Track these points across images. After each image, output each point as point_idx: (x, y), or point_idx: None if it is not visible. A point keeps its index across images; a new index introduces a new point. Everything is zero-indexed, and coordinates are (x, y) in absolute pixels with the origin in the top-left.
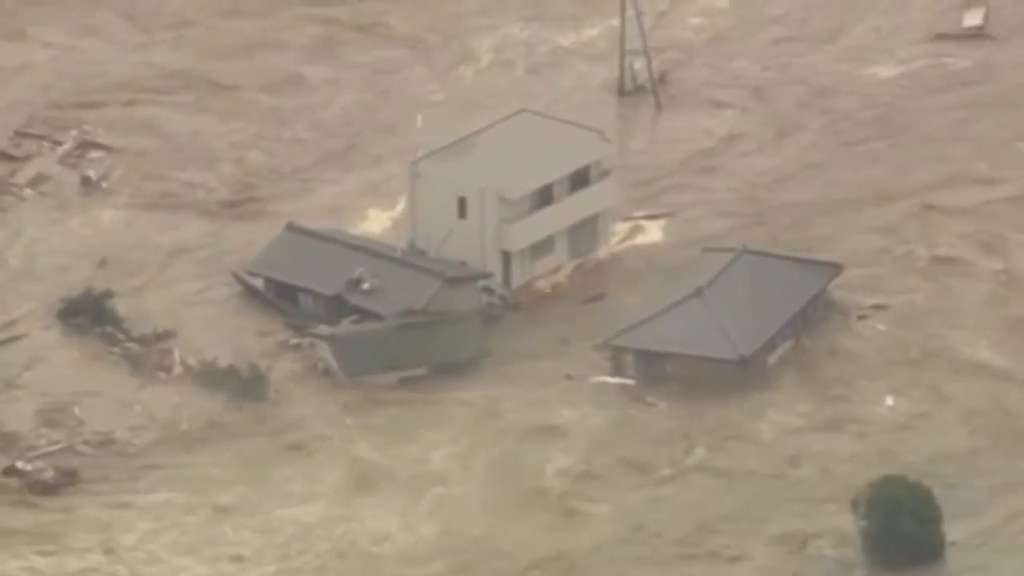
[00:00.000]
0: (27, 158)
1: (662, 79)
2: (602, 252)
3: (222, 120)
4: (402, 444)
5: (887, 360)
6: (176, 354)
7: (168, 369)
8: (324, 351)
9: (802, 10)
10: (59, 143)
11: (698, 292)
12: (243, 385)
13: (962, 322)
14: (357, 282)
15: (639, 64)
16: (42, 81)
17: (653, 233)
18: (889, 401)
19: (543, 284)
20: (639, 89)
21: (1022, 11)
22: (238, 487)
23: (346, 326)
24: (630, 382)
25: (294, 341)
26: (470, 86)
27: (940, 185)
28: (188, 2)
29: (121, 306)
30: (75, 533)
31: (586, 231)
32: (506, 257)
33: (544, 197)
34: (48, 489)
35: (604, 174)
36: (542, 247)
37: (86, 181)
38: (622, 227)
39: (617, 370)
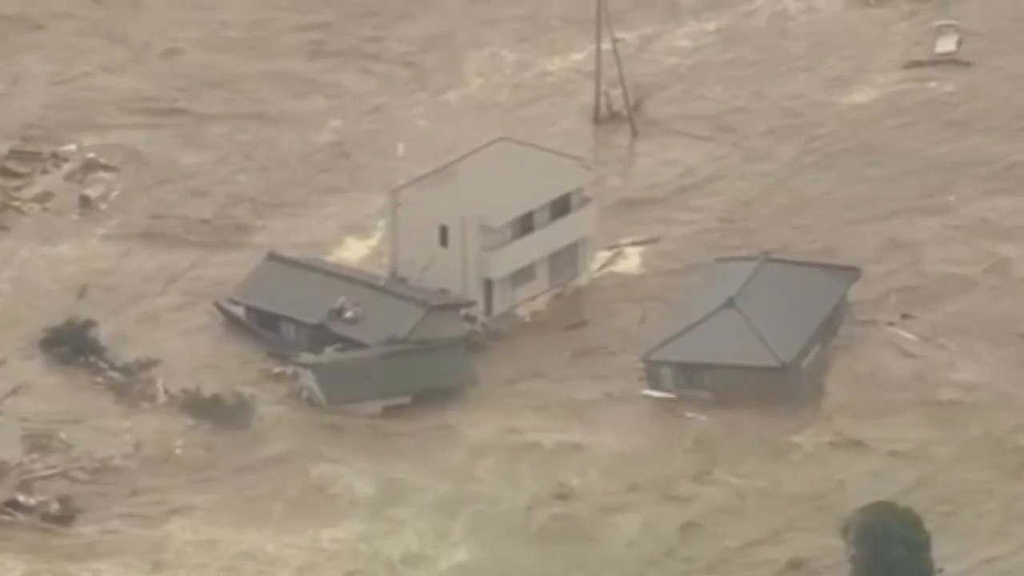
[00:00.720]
0: (30, 174)
1: (637, 107)
2: (582, 280)
3: (207, 148)
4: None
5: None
6: (160, 383)
7: (152, 398)
8: (308, 379)
9: (778, 39)
10: (64, 160)
11: (730, 302)
12: (228, 413)
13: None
14: (340, 311)
15: (615, 91)
16: (32, 103)
17: (632, 260)
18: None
19: (523, 312)
20: (615, 117)
21: (994, 36)
22: (239, 515)
23: (330, 354)
24: (671, 395)
25: (277, 369)
26: (455, 112)
27: (921, 207)
28: (178, 28)
29: (103, 335)
30: (109, 555)
31: (567, 259)
32: (488, 285)
33: (525, 225)
34: (58, 520)
35: (585, 202)
36: (523, 275)
37: (85, 201)
38: (604, 255)
39: (655, 384)
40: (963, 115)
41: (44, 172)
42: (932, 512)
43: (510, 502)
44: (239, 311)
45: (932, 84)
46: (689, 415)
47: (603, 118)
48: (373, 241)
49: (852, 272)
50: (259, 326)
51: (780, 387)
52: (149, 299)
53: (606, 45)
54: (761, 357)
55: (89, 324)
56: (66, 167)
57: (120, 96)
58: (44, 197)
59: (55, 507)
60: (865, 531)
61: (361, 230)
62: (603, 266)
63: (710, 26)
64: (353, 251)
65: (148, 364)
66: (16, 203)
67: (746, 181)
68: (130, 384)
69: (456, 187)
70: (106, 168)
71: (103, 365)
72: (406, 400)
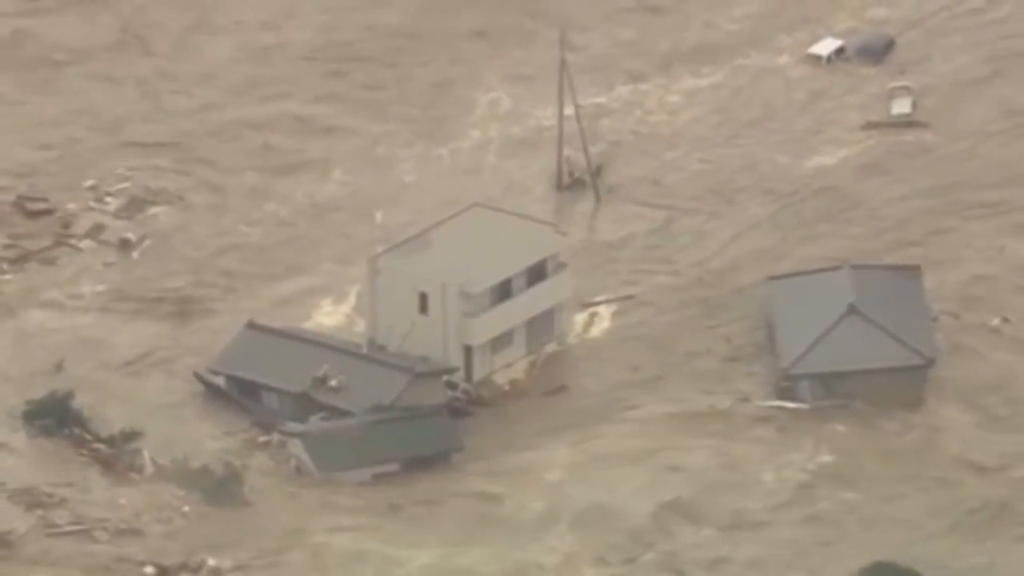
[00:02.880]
0: (48, 212)
1: (599, 172)
2: (559, 344)
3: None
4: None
5: None
6: (146, 454)
7: (140, 470)
8: (297, 448)
9: (734, 104)
10: (110, 194)
11: (852, 309)
12: (218, 484)
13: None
14: (323, 379)
15: (576, 157)
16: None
17: (605, 323)
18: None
19: (500, 379)
20: (577, 182)
21: (947, 97)
22: None
23: (315, 423)
24: (804, 406)
25: (262, 439)
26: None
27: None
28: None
29: (84, 407)
30: None
31: (543, 324)
32: (468, 351)
33: (504, 291)
34: None
35: (560, 267)
36: (501, 340)
37: (125, 244)
38: (579, 316)
39: (790, 397)
40: (926, 172)
41: (91, 207)
42: None
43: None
44: (220, 381)
45: (892, 144)
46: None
47: (565, 184)
48: (347, 308)
49: (916, 270)
50: (240, 396)
51: (922, 386)
52: (125, 370)
53: (568, 111)
54: (904, 357)
55: (70, 396)
56: (114, 203)
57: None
58: (96, 231)
59: None
60: None
61: (335, 296)
62: (579, 331)
63: (672, 92)
64: (329, 316)
65: (132, 435)
66: (71, 240)
67: (714, 240)
68: (116, 455)
69: (434, 254)
70: (153, 203)
71: (88, 437)
72: (394, 467)
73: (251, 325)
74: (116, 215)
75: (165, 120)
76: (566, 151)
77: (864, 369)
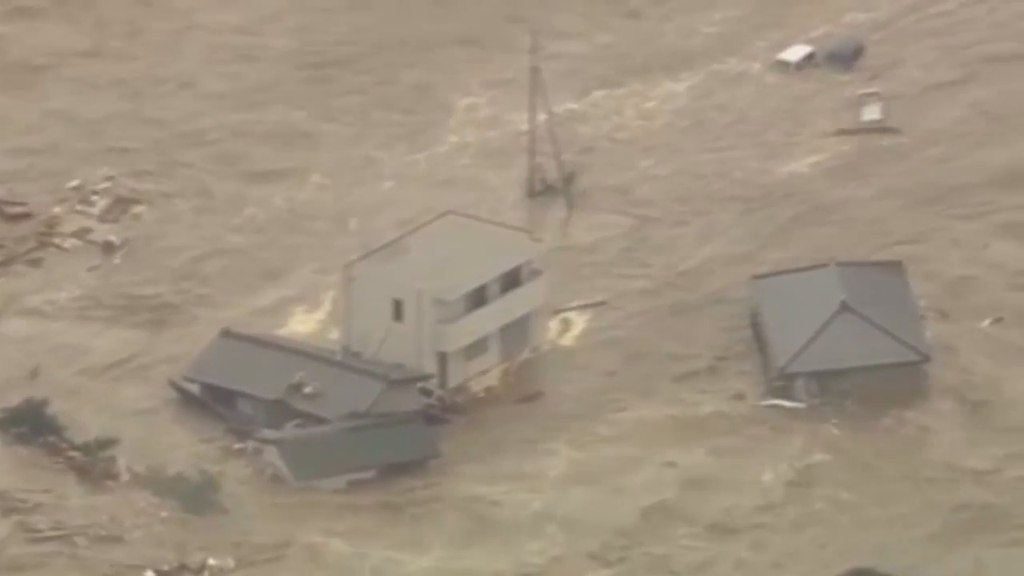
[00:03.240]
0: (27, 216)
1: (571, 179)
2: (533, 351)
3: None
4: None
5: None
6: (121, 462)
7: (115, 477)
8: (272, 456)
9: (713, 113)
10: (96, 193)
11: (844, 306)
12: (194, 491)
13: None
14: (299, 386)
15: (548, 164)
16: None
17: (578, 330)
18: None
19: (475, 386)
20: (549, 190)
21: (918, 102)
22: None
23: (291, 430)
24: (801, 405)
25: (238, 446)
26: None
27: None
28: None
29: (59, 415)
30: None
31: (517, 331)
32: (442, 358)
33: (478, 298)
34: None
35: (535, 274)
36: (476, 347)
37: (108, 247)
38: (552, 323)
39: (786, 396)
40: (899, 176)
41: (77, 211)
42: None
43: None
44: (194, 388)
45: (865, 149)
46: (835, 423)
47: (537, 192)
48: (321, 315)
49: (898, 265)
50: (215, 403)
51: (916, 382)
52: (100, 377)
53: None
54: (902, 353)
55: (44, 403)
56: (100, 203)
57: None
58: (82, 233)
59: None
60: None
61: (310, 303)
62: (553, 338)
63: (647, 98)
64: (303, 323)
65: (107, 443)
66: (56, 240)
67: (688, 246)
68: (91, 463)
69: (409, 261)
70: (137, 202)
71: (63, 445)
72: (370, 474)
73: (226, 333)
74: (101, 218)
75: (145, 125)
76: (538, 158)
77: (860, 366)
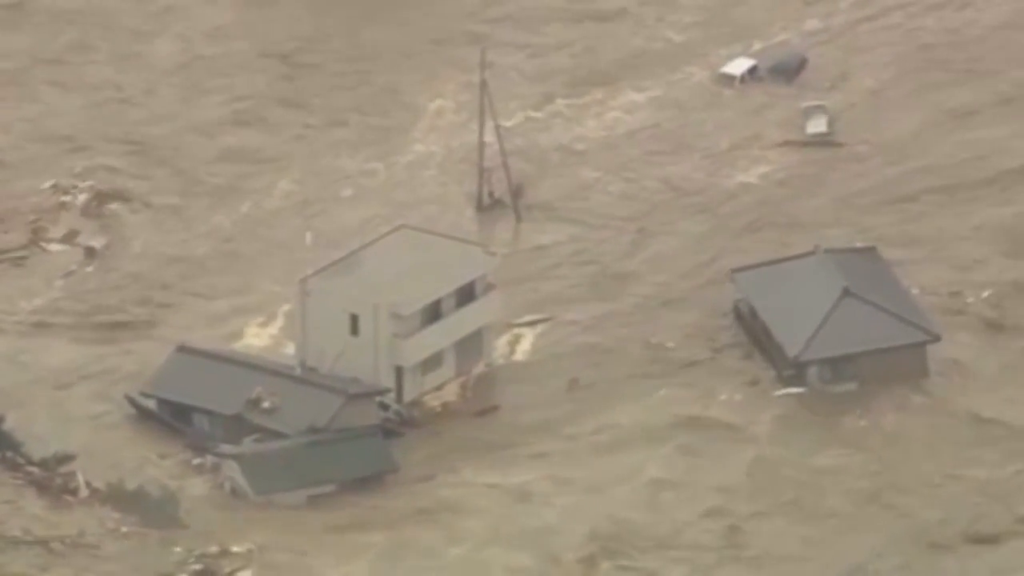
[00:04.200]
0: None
1: (519, 192)
2: (487, 365)
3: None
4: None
5: None
6: (80, 477)
7: (74, 492)
8: (232, 470)
9: (664, 123)
10: (75, 188)
11: (847, 292)
12: (154, 506)
13: None
14: (257, 401)
15: (496, 177)
16: None
17: (529, 343)
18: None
19: (432, 400)
20: (497, 203)
21: (865, 111)
22: None
23: (249, 445)
24: (813, 391)
25: (196, 461)
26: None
27: None
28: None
29: (15, 430)
30: None
31: (473, 344)
32: (399, 372)
33: (433, 312)
34: None
35: (489, 288)
36: (431, 361)
37: (90, 252)
38: (502, 338)
39: (798, 383)
40: (845, 185)
41: (63, 207)
42: None
43: None
44: (151, 403)
45: (814, 159)
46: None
47: (486, 205)
48: (274, 329)
49: (872, 250)
50: (172, 418)
51: (926, 364)
52: (54, 393)
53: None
54: (912, 335)
55: (1, 419)
56: (81, 198)
57: None
58: (71, 236)
59: None
60: None
61: (265, 317)
62: (506, 351)
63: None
64: (256, 338)
65: (65, 458)
66: (43, 243)
67: (638, 254)
68: (50, 478)
69: (364, 275)
70: (119, 198)
71: (20, 460)
72: (330, 488)
73: (182, 348)
74: (84, 212)
75: (114, 131)
76: (486, 172)
77: (873, 350)
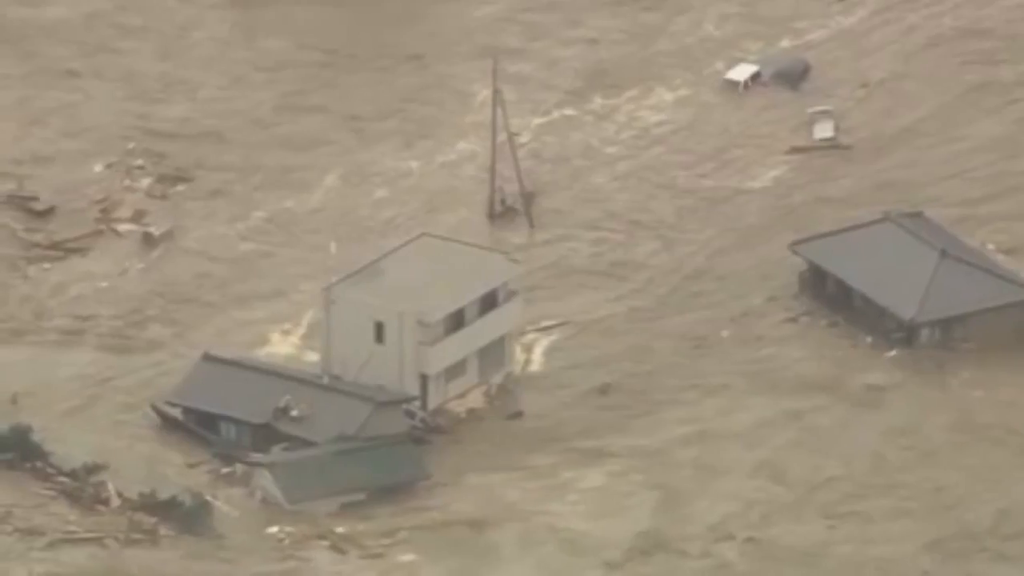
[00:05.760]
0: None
1: (531, 198)
2: (508, 372)
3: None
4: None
5: None
6: (111, 486)
7: (106, 502)
8: (264, 479)
9: (658, 132)
10: (139, 168)
11: (944, 254)
12: (187, 515)
13: None
14: (285, 409)
15: (508, 186)
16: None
17: (543, 349)
18: None
19: (455, 406)
20: (508, 211)
21: (867, 121)
22: None
23: (279, 453)
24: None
25: (225, 470)
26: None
27: None
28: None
29: (43, 441)
30: None
31: (495, 351)
32: (423, 380)
33: (457, 320)
34: None
35: (511, 295)
36: (455, 369)
37: (148, 238)
38: (522, 343)
39: (908, 346)
40: (853, 192)
41: (129, 189)
42: None
43: None
44: (177, 413)
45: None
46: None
47: (497, 213)
48: (296, 337)
49: (922, 215)
50: (199, 427)
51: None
52: (83, 403)
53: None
54: (1018, 292)
55: (28, 429)
56: (145, 181)
57: None
58: (138, 216)
59: None
60: None
61: (290, 324)
62: (527, 356)
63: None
64: (280, 346)
65: (95, 468)
66: (112, 226)
67: (654, 262)
68: (81, 488)
69: (388, 283)
70: (184, 180)
71: (50, 470)
72: (361, 496)
73: (207, 357)
74: (149, 193)
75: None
76: (498, 180)
77: (981, 309)
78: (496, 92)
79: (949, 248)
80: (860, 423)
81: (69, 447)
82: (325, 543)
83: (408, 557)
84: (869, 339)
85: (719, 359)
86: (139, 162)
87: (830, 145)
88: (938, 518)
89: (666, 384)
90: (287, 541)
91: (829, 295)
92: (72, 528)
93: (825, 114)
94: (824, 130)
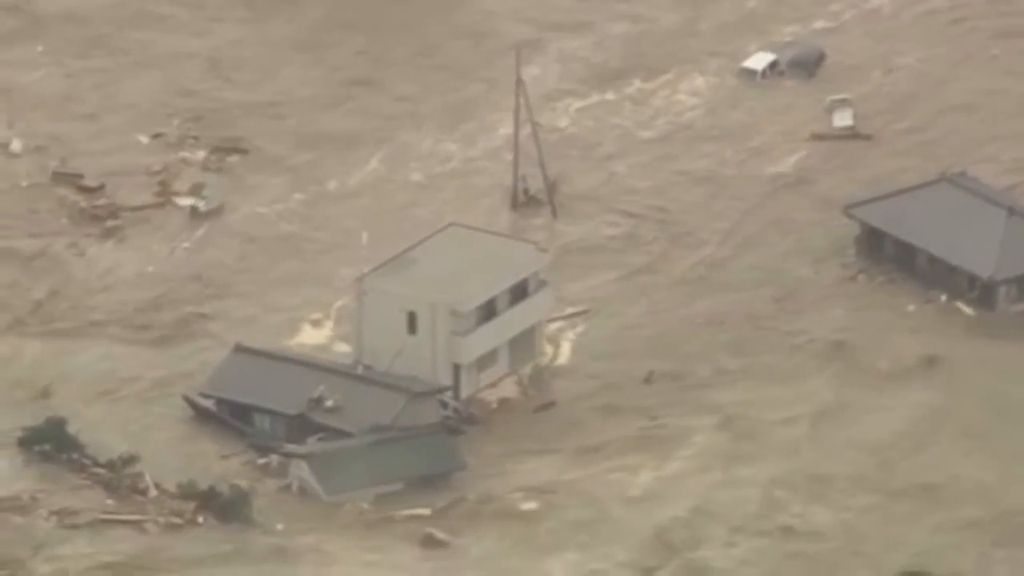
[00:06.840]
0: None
1: (554, 188)
2: (539, 361)
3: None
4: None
5: None
6: (148, 477)
7: (143, 492)
8: (301, 470)
9: (680, 119)
10: (193, 140)
11: (1011, 211)
12: (227, 505)
13: None
14: (319, 400)
15: (531, 175)
16: None
17: (570, 339)
18: None
19: (487, 396)
20: (532, 200)
21: (884, 108)
22: None
23: (314, 444)
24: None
25: (260, 461)
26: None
27: None
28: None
29: (78, 432)
30: None
31: (526, 341)
32: (456, 370)
33: (489, 310)
34: None
35: (541, 285)
36: (487, 359)
37: (195, 212)
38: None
39: (985, 305)
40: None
41: (185, 163)
42: None
43: None
44: (210, 404)
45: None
46: None
47: (521, 202)
48: (327, 329)
49: (966, 175)
50: (232, 418)
51: None
52: (113, 395)
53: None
54: None
55: (63, 421)
56: (200, 155)
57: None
58: (196, 189)
59: None
60: None
61: (314, 315)
62: (556, 346)
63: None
64: (310, 336)
65: (131, 459)
66: (173, 199)
67: (677, 250)
68: (117, 479)
69: (419, 274)
70: (239, 151)
71: (86, 461)
72: (398, 487)
73: (239, 348)
74: (204, 166)
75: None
76: (521, 170)
77: None
78: (518, 83)
79: (1015, 206)
80: (944, 388)
81: (102, 437)
82: (360, 530)
83: (448, 543)
84: (944, 297)
85: (769, 337)
86: (193, 134)
87: (851, 134)
88: None
89: (705, 370)
90: (323, 529)
91: (888, 256)
92: (110, 515)
93: (844, 102)
94: (843, 118)
